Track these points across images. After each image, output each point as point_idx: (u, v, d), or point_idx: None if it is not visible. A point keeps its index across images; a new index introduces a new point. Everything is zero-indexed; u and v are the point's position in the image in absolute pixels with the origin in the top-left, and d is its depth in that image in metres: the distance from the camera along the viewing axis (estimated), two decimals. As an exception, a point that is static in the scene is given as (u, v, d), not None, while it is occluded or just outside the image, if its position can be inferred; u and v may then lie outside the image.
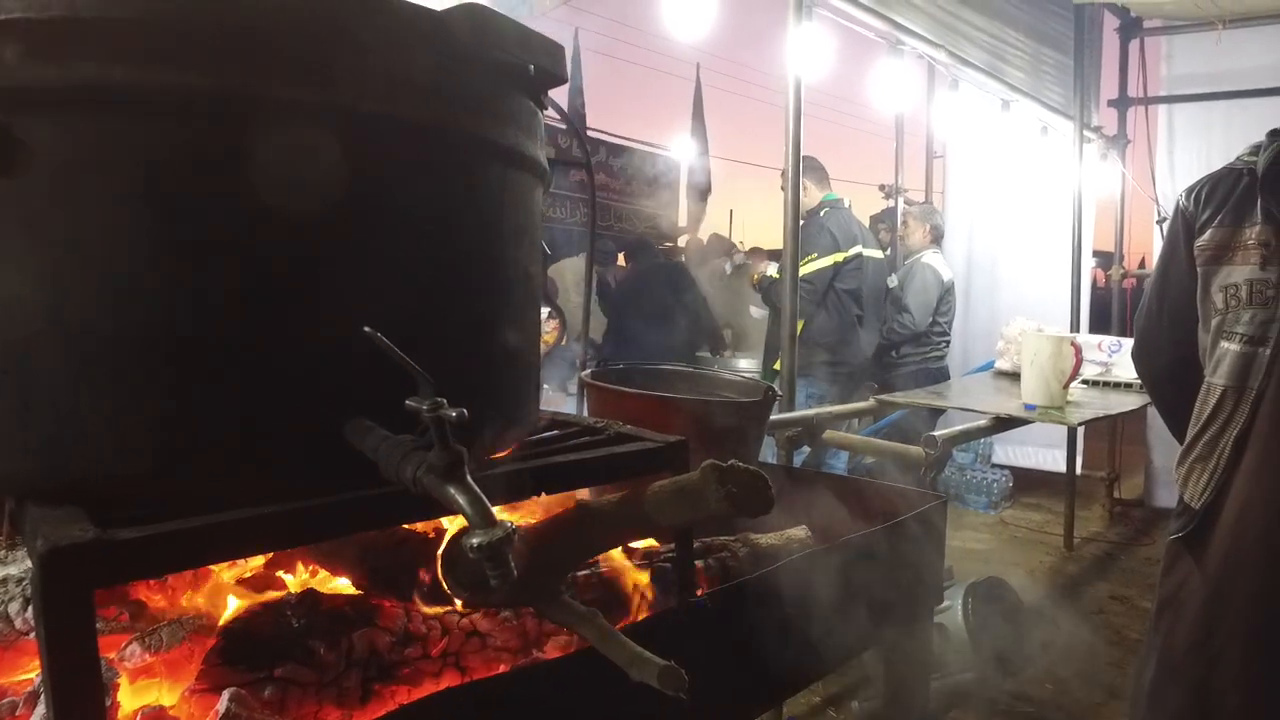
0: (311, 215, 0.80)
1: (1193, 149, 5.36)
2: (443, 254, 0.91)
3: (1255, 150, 1.65)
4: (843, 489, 1.74)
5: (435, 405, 0.70)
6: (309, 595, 1.00)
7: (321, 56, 0.80)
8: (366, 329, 0.74)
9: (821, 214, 4.30)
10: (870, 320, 4.52)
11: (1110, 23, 5.44)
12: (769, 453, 2.62)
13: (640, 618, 1.13)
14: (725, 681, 1.16)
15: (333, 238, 0.82)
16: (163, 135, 0.76)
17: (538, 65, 0.97)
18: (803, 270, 3.88)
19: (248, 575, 1.06)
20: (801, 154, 2.81)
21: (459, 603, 1.03)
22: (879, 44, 3.86)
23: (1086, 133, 5.02)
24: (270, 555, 1.08)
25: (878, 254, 4.64)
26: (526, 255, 1.05)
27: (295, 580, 1.09)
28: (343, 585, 1.10)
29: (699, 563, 1.27)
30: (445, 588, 0.99)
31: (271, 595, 1.03)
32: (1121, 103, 5.65)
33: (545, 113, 1.11)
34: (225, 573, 1.05)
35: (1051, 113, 4.96)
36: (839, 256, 4.25)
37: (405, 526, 1.07)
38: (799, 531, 1.47)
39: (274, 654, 0.89)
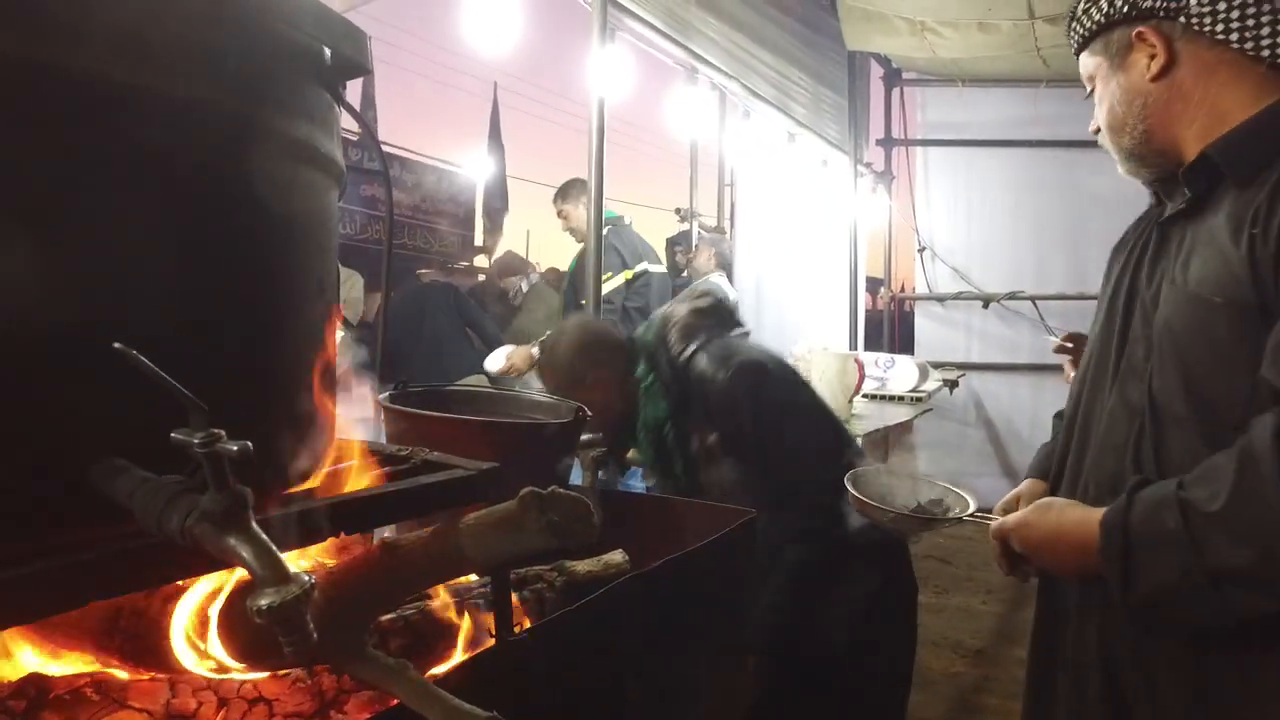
0: (45, 205, 0.64)
1: (945, 187, 6.08)
2: (219, 258, 0.77)
3: None
4: (655, 509, 1.72)
5: (210, 438, 0.57)
6: (31, 682, 0.80)
7: (53, 6, 0.64)
8: (116, 345, 0.59)
9: (604, 232, 4.33)
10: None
11: (877, 71, 6.03)
12: (575, 474, 2.57)
13: (455, 663, 1.03)
14: (548, 724, 1.08)
15: (74, 233, 0.66)
16: None
17: (336, 50, 0.86)
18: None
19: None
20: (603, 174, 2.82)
21: (240, 665, 0.88)
22: (677, 71, 3.99)
23: (859, 168, 5.50)
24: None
25: (661, 268, 4.75)
26: (319, 264, 0.93)
27: (14, 665, 0.88)
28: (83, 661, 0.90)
29: (514, 595, 1.19)
30: (225, 654, 0.84)
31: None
32: (887, 142, 6.26)
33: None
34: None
35: (830, 147, 5.39)
36: (628, 274, 4.32)
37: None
38: (616, 556, 1.43)
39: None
